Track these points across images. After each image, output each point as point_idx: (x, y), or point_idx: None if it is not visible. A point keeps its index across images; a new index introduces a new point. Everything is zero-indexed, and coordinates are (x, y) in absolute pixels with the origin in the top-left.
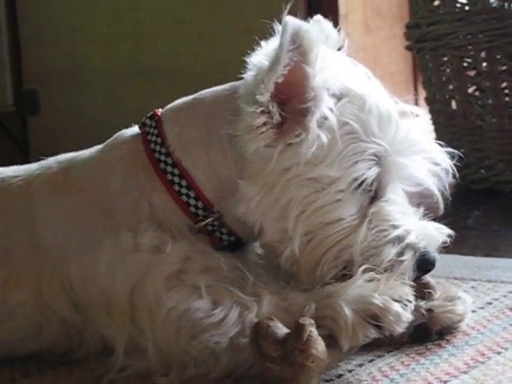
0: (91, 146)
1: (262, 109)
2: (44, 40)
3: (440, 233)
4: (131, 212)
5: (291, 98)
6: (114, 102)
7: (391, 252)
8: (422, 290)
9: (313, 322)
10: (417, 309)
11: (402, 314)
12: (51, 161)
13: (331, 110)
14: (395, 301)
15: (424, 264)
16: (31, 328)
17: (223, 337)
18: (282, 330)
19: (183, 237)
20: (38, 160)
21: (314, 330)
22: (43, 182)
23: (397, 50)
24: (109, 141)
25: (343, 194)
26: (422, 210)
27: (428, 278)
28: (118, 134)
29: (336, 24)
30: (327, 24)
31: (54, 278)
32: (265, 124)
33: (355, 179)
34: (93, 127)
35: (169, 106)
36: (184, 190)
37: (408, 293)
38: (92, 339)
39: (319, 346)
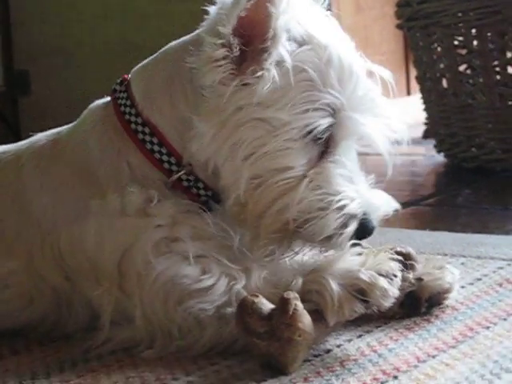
0: None
1: (222, 41)
2: (34, 21)
3: (386, 203)
4: (113, 175)
5: (253, 38)
6: (104, 80)
7: (335, 222)
8: (404, 262)
9: (297, 295)
10: (405, 278)
11: (389, 289)
12: (40, 135)
13: (290, 53)
14: (382, 276)
15: (362, 231)
16: (23, 298)
17: (210, 304)
18: (267, 305)
19: (164, 195)
20: None
21: (299, 304)
22: (31, 155)
23: (388, 29)
24: (84, 111)
25: (293, 142)
26: (372, 177)
27: (410, 249)
28: (91, 104)
29: (327, 4)
30: None
31: (45, 247)
32: (224, 58)
33: (306, 125)
34: (84, 106)
35: (136, 67)
36: (156, 148)
37: (395, 268)
38: (80, 308)
39: (305, 319)
